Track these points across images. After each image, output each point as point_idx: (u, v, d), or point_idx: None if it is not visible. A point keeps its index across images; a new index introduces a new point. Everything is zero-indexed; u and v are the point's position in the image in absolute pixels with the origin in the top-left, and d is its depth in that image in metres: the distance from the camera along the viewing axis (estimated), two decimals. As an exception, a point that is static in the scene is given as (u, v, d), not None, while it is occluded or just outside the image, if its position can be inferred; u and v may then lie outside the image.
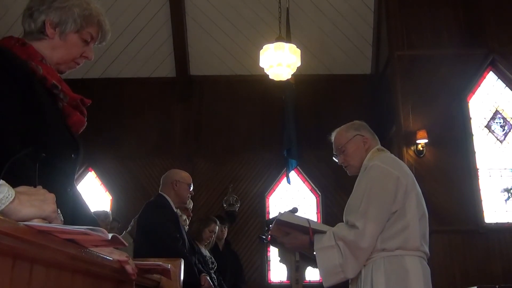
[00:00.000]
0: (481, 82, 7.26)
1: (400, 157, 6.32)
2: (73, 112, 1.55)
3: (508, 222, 6.66)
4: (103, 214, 5.51)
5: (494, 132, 7.18)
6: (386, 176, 2.34)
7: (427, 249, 2.34)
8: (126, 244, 1.08)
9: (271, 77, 5.67)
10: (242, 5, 7.99)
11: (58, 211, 1.03)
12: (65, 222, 1.29)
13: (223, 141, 8.23)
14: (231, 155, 8.11)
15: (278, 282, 7.64)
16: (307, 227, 2.36)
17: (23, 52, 1.47)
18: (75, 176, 1.61)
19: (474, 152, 6.87)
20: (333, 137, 2.65)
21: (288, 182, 7.70)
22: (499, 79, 7.29)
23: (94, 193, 8.00)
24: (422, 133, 6.65)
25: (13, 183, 0.92)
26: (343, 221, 2.41)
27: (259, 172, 8.07)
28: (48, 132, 1.40)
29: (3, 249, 0.78)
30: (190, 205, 4.34)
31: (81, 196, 1.64)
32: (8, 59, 1.34)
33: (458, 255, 6.29)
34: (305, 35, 7.85)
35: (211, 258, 4.46)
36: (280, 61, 5.45)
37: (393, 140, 7.09)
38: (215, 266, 4.39)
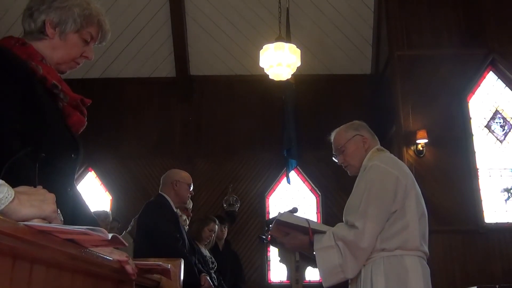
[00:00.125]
0: (481, 82, 7.26)
1: (400, 157, 6.32)
2: (73, 112, 1.55)
3: (508, 222, 6.66)
4: (103, 214, 5.51)
5: (494, 132, 7.18)
6: (385, 176, 2.34)
7: (426, 249, 2.34)
8: (126, 244, 1.08)
9: (271, 77, 5.67)
10: (242, 5, 7.99)
11: (58, 211, 1.03)
12: (65, 222, 1.29)
13: (223, 141, 8.23)
14: (231, 155, 8.11)
15: (278, 282, 7.64)
16: (307, 227, 2.36)
17: (23, 52, 1.47)
18: (75, 176, 1.61)
19: (474, 152, 6.87)
20: (332, 137, 2.65)
21: (288, 182, 7.70)
22: (499, 79, 7.29)
23: (94, 193, 8.00)
24: (422, 133, 6.65)
25: (13, 183, 0.91)
26: (343, 221, 2.41)
27: (259, 172, 8.07)
28: (48, 132, 1.40)
29: (3, 249, 0.78)
30: (190, 205, 4.35)
31: (81, 196, 1.64)
32: (8, 59, 1.34)
33: (458, 255, 6.29)
34: (305, 35, 7.85)
35: (211, 258, 4.47)
36: (280, 61, 5.45)
37: (393, 140, 7.09)
38: (215, 266, 4.39)
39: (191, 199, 4.04)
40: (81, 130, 1.60)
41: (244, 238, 7.71)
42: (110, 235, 0.98)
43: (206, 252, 4.52)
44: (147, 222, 3.53)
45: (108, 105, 8.01)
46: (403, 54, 7.15)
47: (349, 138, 2.56)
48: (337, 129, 2.65)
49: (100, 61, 7.95)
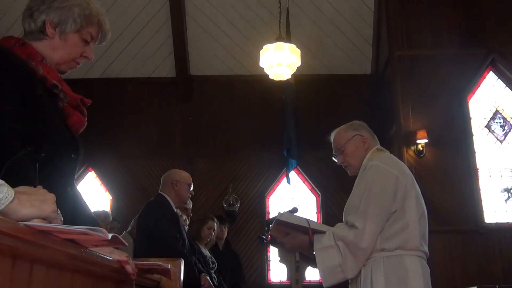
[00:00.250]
0: (481, 82, 7.26)
1: (400, 157, 6.32)
2: (73, 112, 1.55)
3: (508, 222, 6.66)
4: (103, 214, 5.51)
5: (494, 132, 7.18)
6: (385, 176, 2.34)
7: (426, 249, 2.34)
8: (126, 244, 1.08)
9: (271, 77, 5.67)
10: (242, 5, 7.99)
11: (58, 211, 1.03)
12: (65, 222, 1.29)
13: (223, 141, 8.23)
14: (231, 155, 8.11)
15: (278, 282, 7.63)
16: (307, 227, 2.36)
17: (23, 52, 1.47)
18: (75, 176, 1.61)
19: (474, 152, 6.87)
20: (332, 137, 2.65)
21: (288, 182, 7.70)
22: (499, 79, 7.29)
23: (94, 193, 8.00)
24: (422, 133, 6.65)
25: (13, 183, 0.91)
26: (343, 221, 2.41)
27: (259, 172, 8.07)
28: (48, 132, 1.40)
29: (3, 249, 0.78)
30: (190, 205, 4.35)
31: (81, 196, 1.64)
32: (8, 59, 1.34)
33: (458, 255, 6.29)
34: (305, 35, 7.85)
35: (211, 258, 4.47)
36: (280, 61, 5.44)
37: (393, 140, 7.09)
38: (215, 266, 4.40)
39: (191, 199, 4.04)
40: (81, 130, 1.60)
41: (244, 238, 7.71)
42: (110, 235, 0.98)
43: (206, 252, 4.53)
44: (147, 222, 3.53)
45: (108, 105, 8.00)
46: (403, 54, 7.14)
47: (349, 138, 2.56)
48: (337, 129, 2.66)
49: (100, 61, 7.96)
